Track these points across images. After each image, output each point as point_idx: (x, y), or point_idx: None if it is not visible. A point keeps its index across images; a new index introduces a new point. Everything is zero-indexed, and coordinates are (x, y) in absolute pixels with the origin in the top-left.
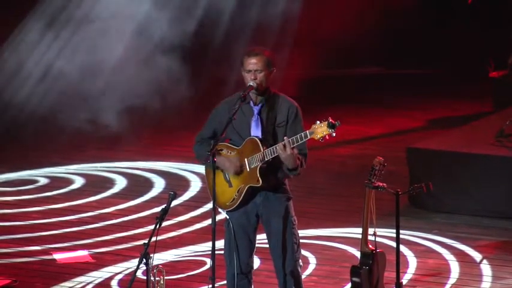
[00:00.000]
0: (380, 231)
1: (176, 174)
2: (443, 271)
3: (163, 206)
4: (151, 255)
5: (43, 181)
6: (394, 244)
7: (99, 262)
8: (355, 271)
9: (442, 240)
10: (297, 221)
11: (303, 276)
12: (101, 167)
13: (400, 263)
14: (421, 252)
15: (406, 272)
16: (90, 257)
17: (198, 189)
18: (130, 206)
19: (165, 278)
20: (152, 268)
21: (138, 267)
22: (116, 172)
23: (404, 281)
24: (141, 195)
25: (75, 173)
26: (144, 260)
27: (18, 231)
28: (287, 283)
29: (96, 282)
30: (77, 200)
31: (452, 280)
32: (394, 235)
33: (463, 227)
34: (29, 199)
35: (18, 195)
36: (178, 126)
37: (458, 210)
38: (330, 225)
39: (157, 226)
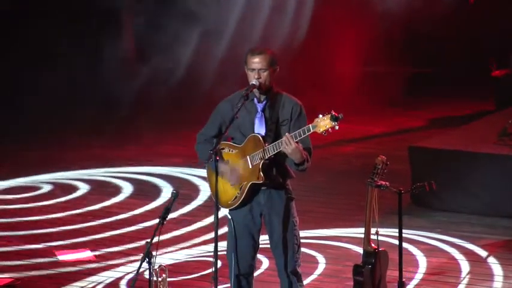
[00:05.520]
0: (383, 230)
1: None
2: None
3: (166, 205)
4: (154, 254)
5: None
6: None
7: (104, 261)
8: (357, 270)
9: (448, 239)
10: (298, 222)
11: (306, 276)
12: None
13: (402, 262)
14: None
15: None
16: (93, 255)
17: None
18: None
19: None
20: (155, 267)
21: (140, 266)
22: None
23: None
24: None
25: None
26: (147, 259)
27: (20, 230)
28: (288, 283)
29: (97, 281)
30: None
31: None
32: (400, 235)
33: (466, 226)
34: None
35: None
36: None
37: (461, 209)
38: (333, 224)
39: (160, 225)
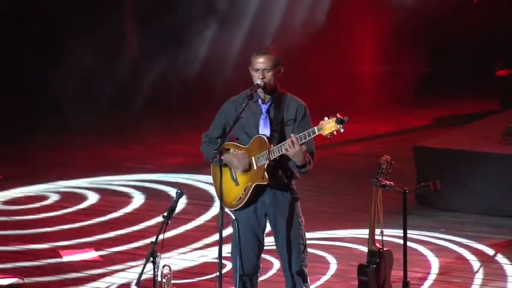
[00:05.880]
0: (389, 230)
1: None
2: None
3: (170, 205)
4: (159, 254)
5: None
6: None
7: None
8: (362, 270)
9: (454, 239)
10: (304, 222)
11: (311, 275)
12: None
13: (407, 262)
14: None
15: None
16: (98, 255)
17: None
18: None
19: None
20: (160, 267)
21: (145, 266)
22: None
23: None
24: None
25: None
26: (151, 259)
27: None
28: (294, 283)
29: (111, 282)
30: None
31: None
32: (404, 234)
33: (471, 226)
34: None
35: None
36: None
37: (466, 209)
38: (338, 223)
39: (165, 225)
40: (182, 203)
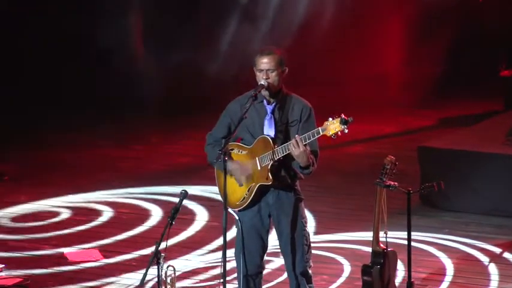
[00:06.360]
0: (394, 231)
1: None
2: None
3: (175, 205)
4: (163, 254)
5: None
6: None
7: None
8: (366, 270)
9: (459, 239)
10: (308, 222)
11: (316, 275)
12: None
13: (411, 262)
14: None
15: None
16: (101, 254)
17: None
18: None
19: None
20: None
21: (149, 266)
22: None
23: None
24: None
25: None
26: (156, 259)
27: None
28: (298, 285)
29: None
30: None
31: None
32: (408, 235)
33: (474, 226)
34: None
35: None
36: None
37: (470, 209)
38: (342, 223)
39: (169, 225)
40: (187, 203)
